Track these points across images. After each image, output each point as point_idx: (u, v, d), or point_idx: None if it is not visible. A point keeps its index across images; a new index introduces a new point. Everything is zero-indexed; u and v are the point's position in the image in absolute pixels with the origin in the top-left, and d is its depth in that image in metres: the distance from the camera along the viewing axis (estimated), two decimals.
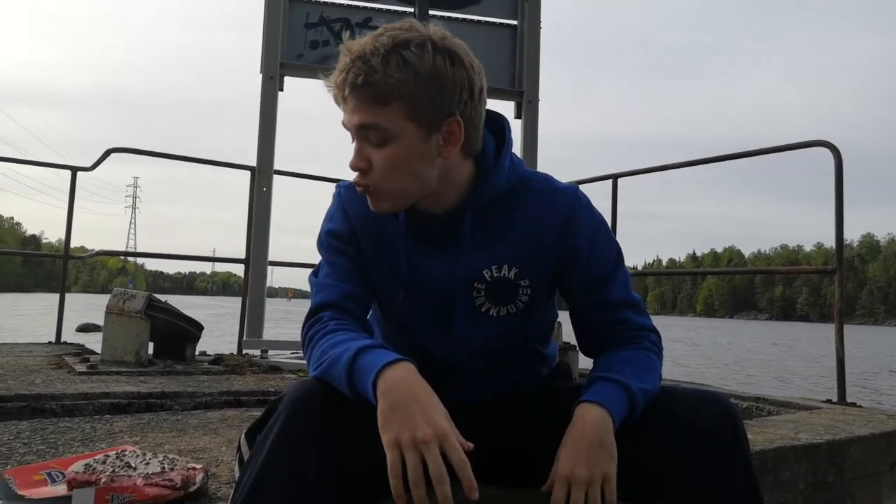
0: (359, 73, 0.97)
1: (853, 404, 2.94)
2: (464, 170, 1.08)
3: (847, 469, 2.05)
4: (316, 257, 1.22)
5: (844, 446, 2.06)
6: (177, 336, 3.61)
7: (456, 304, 1.14)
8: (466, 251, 1.11)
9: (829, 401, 3.05)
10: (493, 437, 1.15)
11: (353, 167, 1.05)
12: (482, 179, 1.09)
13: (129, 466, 1.22)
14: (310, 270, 1.21)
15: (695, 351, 22.25)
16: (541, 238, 1.11)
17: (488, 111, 1.11)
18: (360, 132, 1.02)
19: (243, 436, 1.03)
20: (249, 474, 0.89)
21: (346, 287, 1.12)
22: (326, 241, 1.17)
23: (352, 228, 1.15)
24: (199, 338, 3.76)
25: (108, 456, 1.27)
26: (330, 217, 1.19)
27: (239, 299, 4.51)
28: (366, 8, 4.33)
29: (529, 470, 1.09)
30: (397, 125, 1.00)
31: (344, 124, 1.04)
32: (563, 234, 1.11)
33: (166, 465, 1.24)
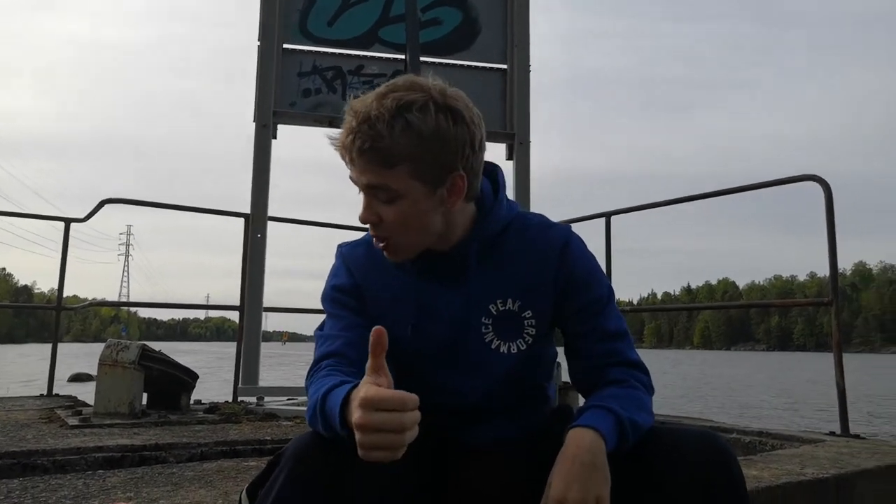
0: (365, 139, 1.01)
1: (857, 436, 2.91)
2: (466, 211, 1.14)
3: (856, 503, 2.02)
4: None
5: (852, 480, 2.03)
6: (171, 386, 3.56)
7: (467, 343, 1.15)
8: (472, 284, 1.14)
9: (832, 433, 3.02)
10: (502, 483, 1.14)
11: (364, 221, 1.09)
12: (484, 215, 1.15)
13: None
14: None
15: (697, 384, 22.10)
16: (540, 269, 1.15)
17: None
18: (368, 191, 1.06)
19: (244, 492, 1.01)
20: None
21: (348, 335, 1.13)
22: (331, 295, 1.19)
23: (355, 283, 1.18)
24: (194, 387, 3.72)
25: None
26: (334, 274, 1.22)
27: (233, 344, 4.48)
28: (358, 56, 4.40)
29: None
30: (404, 185, 1.04)
31: (351, 179, 1.09)
32: (560, 263, 1.15)
33: None
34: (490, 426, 1.20)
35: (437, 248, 1.14)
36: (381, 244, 1.11)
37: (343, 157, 1.07)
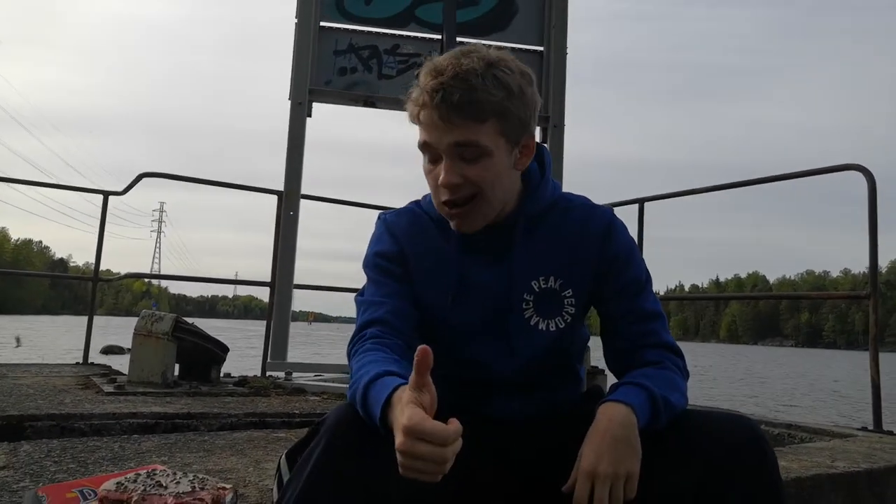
0: (460, 92, 1.01)
1: (890, 432, 2.85)
2: (515, 185, 1.15)
3: (889, 499, 1.98)
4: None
5: (884, 475, 1.99)
6: (203, 358, 3.63)
7: (508, 318, 1.16)
8: (517, 259, 1.15)
9: (864, 428, 2.97)
10: (531, 457, 1.15)
11: (447, 184, 1.06)
12: (531, 191, 1.16)
13: (160, 485, 1.22)
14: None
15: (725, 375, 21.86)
16: (582, 248, 1.16)
17: None
18: (455, 150, 1.05)
19: (283, 457, 1.02)
20: (290, 496, 0.89)
21: (392, 303, 1.13)
22: (374, 261, 1.19)
23: (400, 249, 1.18)
24: (225, 359, 3.78)
25: (139, 475, 1.27)
26: (377, 240, 1.22)
27: (260, 322, 4.55)
28: (394, 35, 4.39)
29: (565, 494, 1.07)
30: (492, 141, 1.05)
31: (427, 144, 1.07)
32: (602, 243, 1.16)
33: (196, 485, 1.24)
34: (519, 400, 1.20)
35: None
36: (455, 211, 1.09)
37: (419, 120, 1.06)
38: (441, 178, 1.06)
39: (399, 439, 0.80)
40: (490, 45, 1.10)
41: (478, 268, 1.16)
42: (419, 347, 0.82)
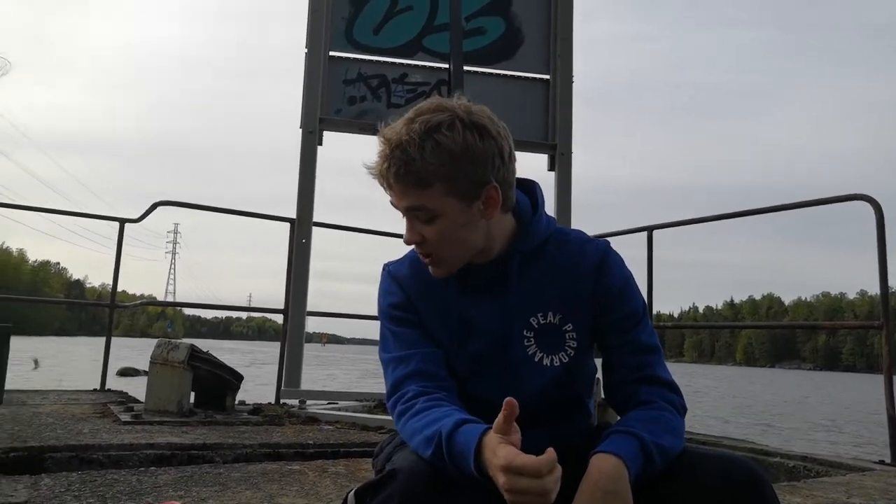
0: (399, 164, 1.07)
1: None
2: (505, 223, 1.17)
3: None
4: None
5: None
6: (218, 386, 3.67)
7: (511, 355, 1.18)
8: (513, 296, 1.17)
9: (881, 462, 2.94)
10: None
11: (408, 242, 1.15)
12: (524, 229, 1.19)
13: None
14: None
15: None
16: (578, 282, 1.18)
17: (518, 178, 1.20)
18: (409, 213, 1.12)
19: (353, 494, 1.05)
20: None
21: (420, 351, 1.17)
22: (389, 313, 1.23)
23: (408, 297, 1.22)
24: (239, 388, 3.82)
25: None
26: (386, 292, 1.25)
27: (274, 343, 4.58)
28: (402, 64, 4.47)
29: None
30: (440, 203, 1.09)
31: (392, 204, 1.15)
32: (598, 276, 1.18)
33: None
34: (529, 435, 1.22)
35: (478, 261, 1.17)
36: (427, 260, 1.15)
37: (381, 184, 1.12)
38: (404, 236, 1.15)
39: (501, 479, 0.87)
40: (460, 96, 1.12)
41: (477, 308, 1.19)
42: (506, 401, 0.90)
